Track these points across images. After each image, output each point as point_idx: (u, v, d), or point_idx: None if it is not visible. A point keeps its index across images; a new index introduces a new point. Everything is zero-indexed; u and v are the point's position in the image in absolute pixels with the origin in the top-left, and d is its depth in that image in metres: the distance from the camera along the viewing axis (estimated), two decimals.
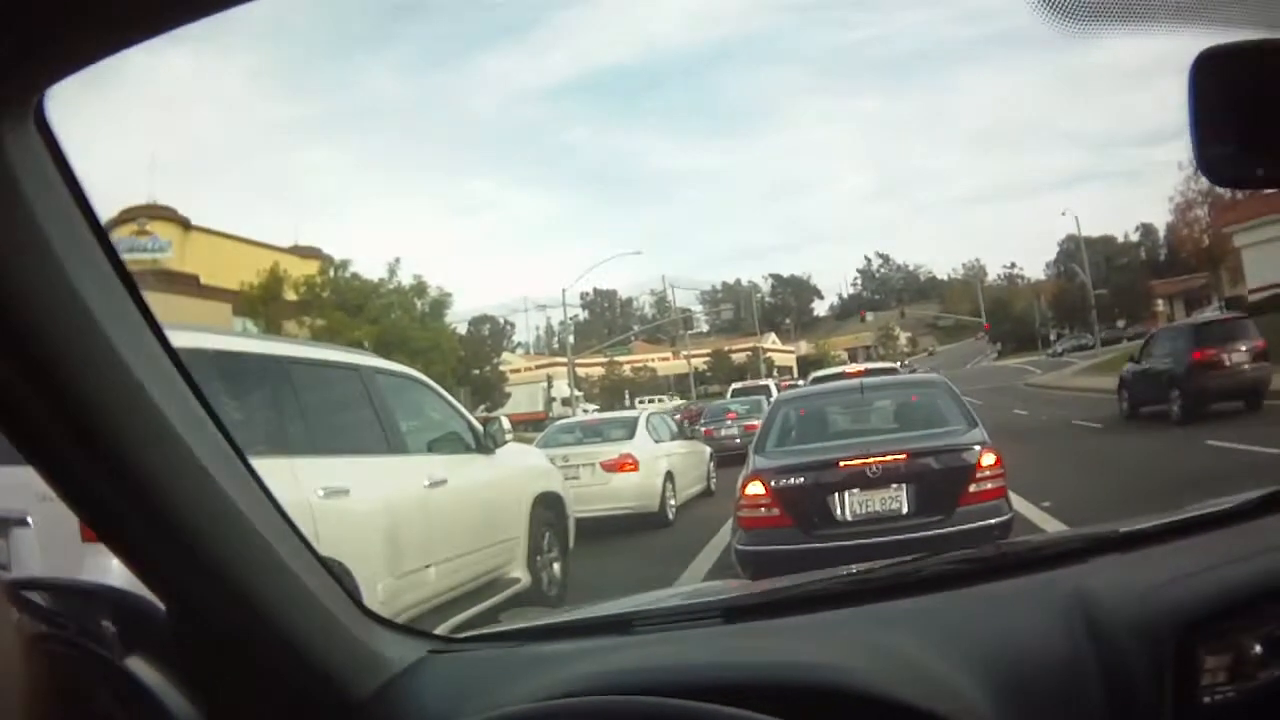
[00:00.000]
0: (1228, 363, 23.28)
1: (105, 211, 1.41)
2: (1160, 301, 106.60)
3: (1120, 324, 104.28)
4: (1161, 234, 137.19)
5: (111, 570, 1.70)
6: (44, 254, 1.30)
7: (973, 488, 8.93)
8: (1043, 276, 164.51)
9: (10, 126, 1.24)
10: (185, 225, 55.99)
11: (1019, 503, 10.75)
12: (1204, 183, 79.07)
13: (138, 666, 1.66)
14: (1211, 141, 1.61)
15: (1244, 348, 23.50)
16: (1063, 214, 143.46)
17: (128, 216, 52.92)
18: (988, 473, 9.00)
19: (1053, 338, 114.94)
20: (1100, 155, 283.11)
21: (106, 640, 1.68)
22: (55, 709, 1.50)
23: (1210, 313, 58.53)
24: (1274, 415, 22.14)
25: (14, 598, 1.72)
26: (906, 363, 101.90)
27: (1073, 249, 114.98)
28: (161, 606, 1.67)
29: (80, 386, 1.38)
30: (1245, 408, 23.15)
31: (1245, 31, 1.61)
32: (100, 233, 1.41)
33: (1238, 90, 1.59)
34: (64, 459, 1.46)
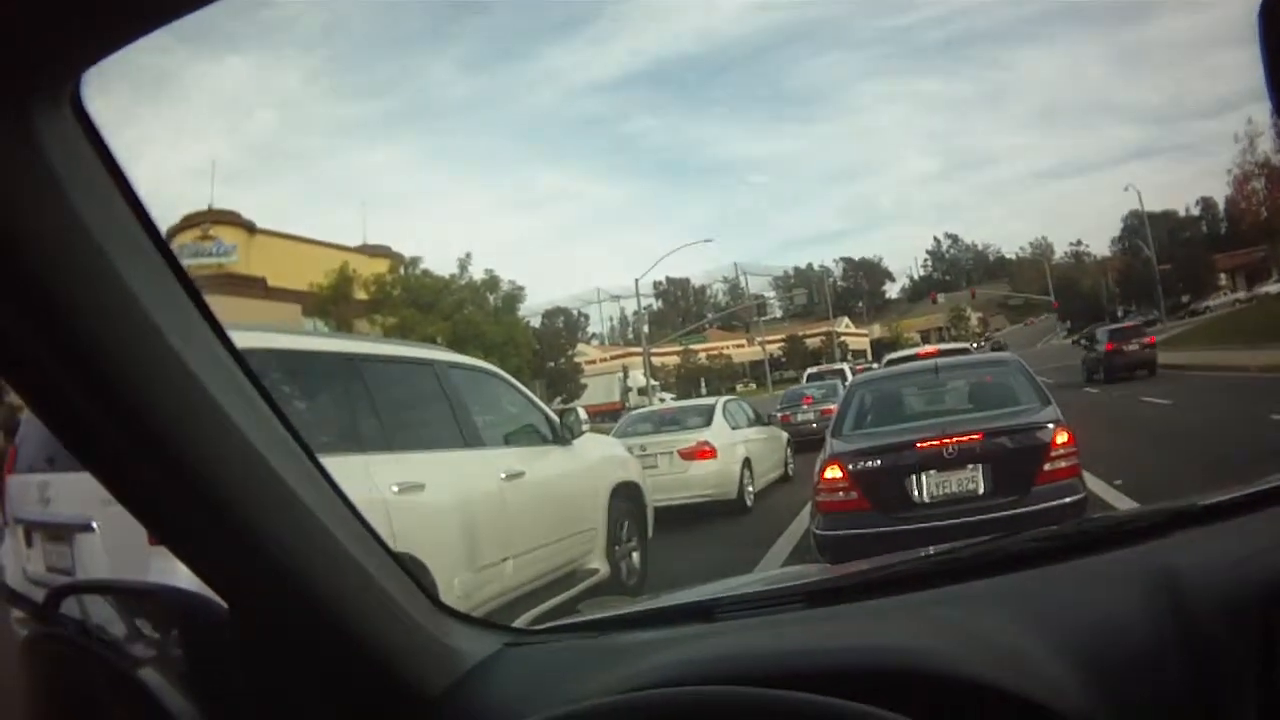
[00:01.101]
0: (1127, 350, 41.14)
1: (158, 210, 1.38)
2: (1223, 275, 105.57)
3: (1185, 299, 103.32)
4: (1221, 208, 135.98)
5: (177, 573, 1.69)
6: (91, 249, 1.26)
7: (1047, 466, 8.90)
8: (1108, 253, 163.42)
9: (45, 112, 1.20)
10: (250, 229, 56.90)
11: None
12: (1260, 154, 78.42)
13: (175, 684, 1.66)
14: None
15: (1137, 344, 41.49)
16: (1125, 189, 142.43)
17: (190, 222, 54.04)
18: (1061, 451, 8.95)
19: (1120, 314, 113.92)
20: (1159, 129, 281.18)
21: (166, 641, 1.67)
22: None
23: (1271, 285, 71.16)
24: (1165, 377, 37.93)
25: (55, 604, 1.73)
26: (981, 344, 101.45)
27: (1136, 225, 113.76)
28: (224, 605, 1.66)
29: (136, 389, 1.36)
30: (1149, 374, 39.65)
31: None
32: (151, 227, 1.37)
33: None
34: (121, 463, 1.45)
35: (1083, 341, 54.71)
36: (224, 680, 1.65)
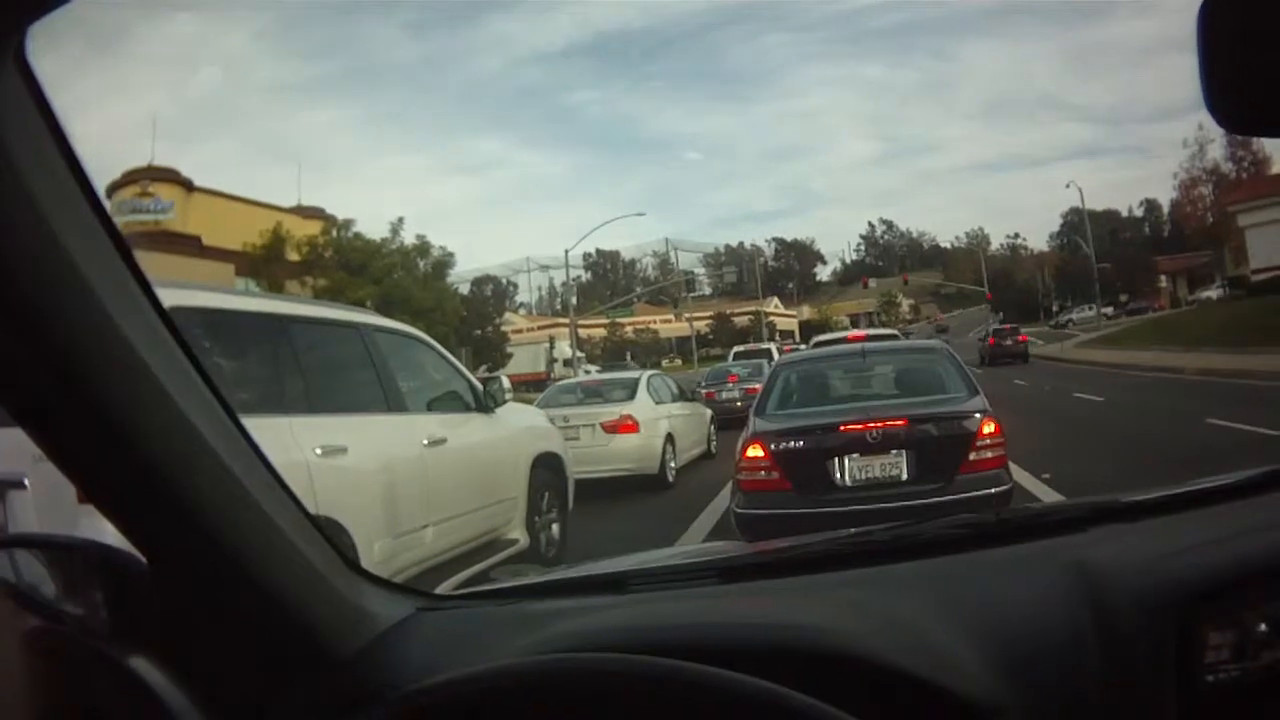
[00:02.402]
0: (1004, 344, 55.84)
1: (97, 166, 1.38)
2: (1164, 277, 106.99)
3: (1123, 298, 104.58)
4: (1166, 210, 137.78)
5: (106, 532, 1.68)
6: (26, 204, 1.26)
7: (973, 455, 8.91)
8: (1046, 248, 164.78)
9: None
10: (188, 186, 56.03)
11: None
12: (1209, 160, 79.88)
13: (115, 641, 1.66)
14: (1223, 84, 1.54)
15: (1010, 340, 56.65)
16: (1067, 186, 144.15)
17: (130, 178, 53.22)
18: (988, 441, 8.97)
19: (1055, 309, 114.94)
20: (1107, 130, 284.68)
21: (90, 596, 1.67)
22: (44, 694, 1.49)
23: (1213, 291, 75.90)
24: (1034, 365, 50.87)
25: None
26: (911, 331, 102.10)
27: (1076, 221, 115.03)
28: (145, 562, 1.66)
29: (66, 343, 1.36)
30: (1022, 362, 52.59)
31: None
32: (87, 185, 1.37)
33: (1250, 31, 1.50)
34: (49, 416, 1.45)
35: (981, 336, 68.65)
36: (142, 636, 1.64)
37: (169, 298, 1.64)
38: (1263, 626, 1.65)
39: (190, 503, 1.59)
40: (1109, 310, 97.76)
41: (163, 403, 1.52)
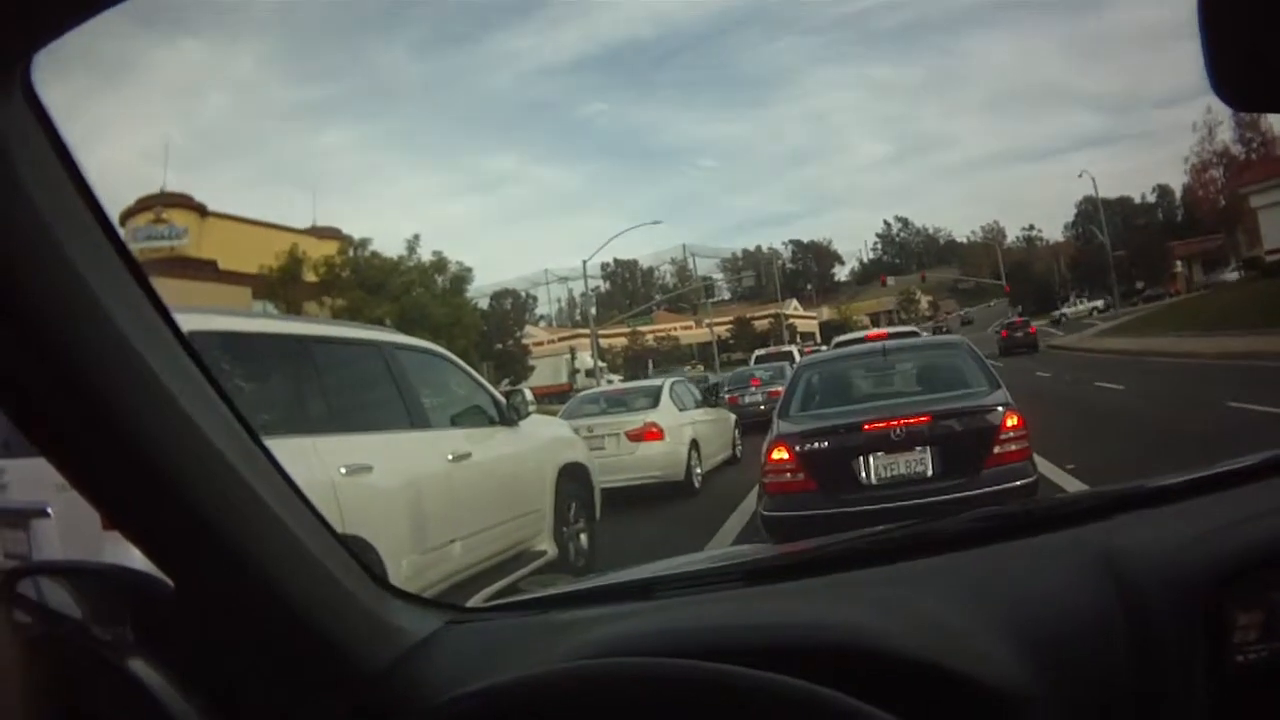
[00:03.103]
0: (1015, 336, 59.84)
1: (108, 193, 1.38)
2: (1179, 262, 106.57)
3: (1139, 284, 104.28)
4: (1178, 195, 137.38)
5: (132, 558, 1.70)
6: (41, 234, 1.27)
7: (997, 449, 8.90)
8: (1061, 238, 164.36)
9: None
10: (201, 211, 56.54)
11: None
12: (1218, 143, 79.75)
13: (139, 661, 1.66)
14: (1227, 62, 1.53)
15: (1021, 333, 60.55)
16: (1080, 175, 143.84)
17: (144, 205, 53.77)
18: (1011, 434, 8.95)
19: (1072, 299, 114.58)
20: (1116, 117, 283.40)
21: (116, 620, 1.68)
22: (51, 705, 1.50)
23: (1228, 274, 77.45)
24: (1046, 355, 53.91)
25: (10, 586, 1.73)
26: (943, 325, 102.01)
27: (1090, 210, 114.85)
28: (170, 585, 1.67)
29: (86, 372, 1.36)
30: (1034, 351, 57.13)
31: None
32: (99, 211, 1.38)
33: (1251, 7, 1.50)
34: (71, 445, 1.45)
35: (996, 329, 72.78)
36: (172, 658, 1.65)
37: (187, 323, 1.65)
38: None
39: (215, 526, 1.59)
40: (1099, 304, 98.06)
41: (185, 428, 1.52)
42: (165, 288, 1.53)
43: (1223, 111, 69.56)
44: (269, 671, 1.74)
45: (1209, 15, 1.44)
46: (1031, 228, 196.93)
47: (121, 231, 1.55)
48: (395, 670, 1.87)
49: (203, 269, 50.34)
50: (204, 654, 1.69)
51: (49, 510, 6.13)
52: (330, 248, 53.95)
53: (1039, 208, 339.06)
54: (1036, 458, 9.61)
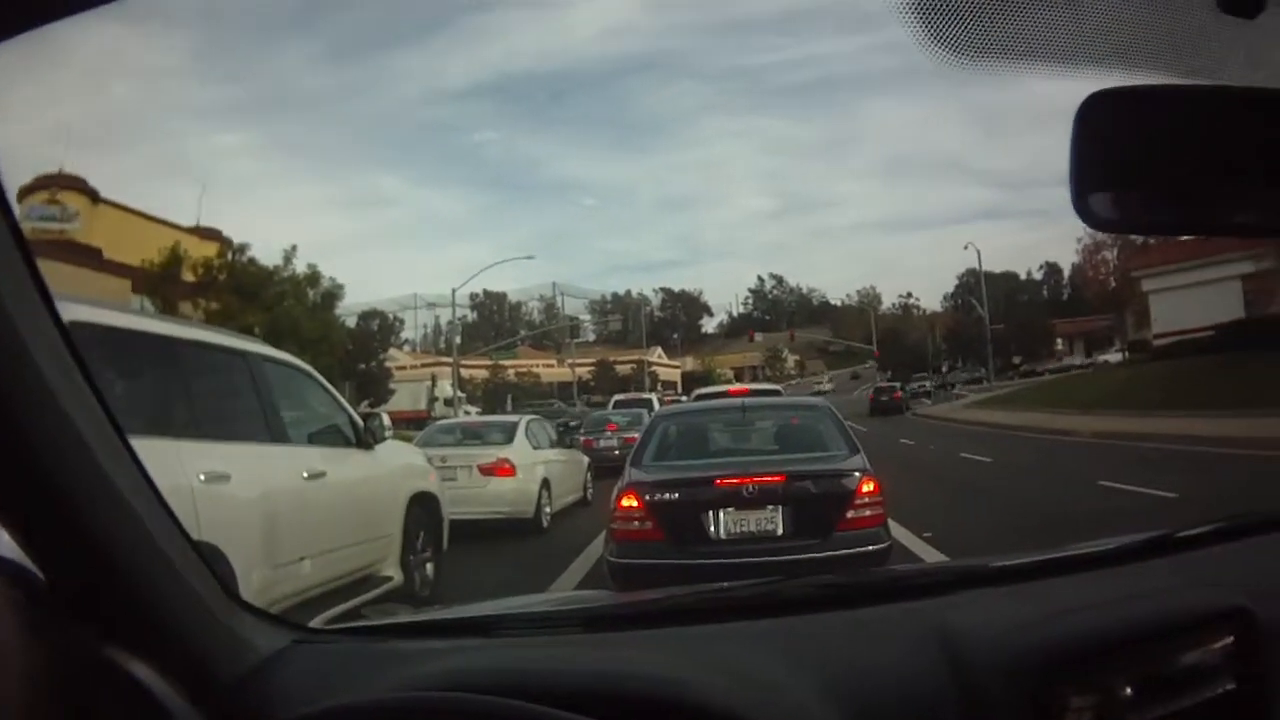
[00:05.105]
0: (881, 399, 70.15)
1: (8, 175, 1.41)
2: (1060, 341, 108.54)
3: (1016, 360, 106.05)
4: (1066, 274, 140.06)
5: (4, 543, 1.68)
6: None
7: (851, 513, 8.87)
8: (939, 308, 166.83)
9: None
10: (94, 197, 55.42)
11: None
12: None
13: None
14: (1090, 185, 1.66)
15: (886, 396, 70.52)
16: (965, 247, 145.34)
17: (40, 184, 52.42)
18: (866, 499, 8.94)
19: (944, 369, 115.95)
20: (1009, 193, 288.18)
21: None
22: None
23: (1111, 354, 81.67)
24: (922, 424, 53.83)
25: None
26: (792, 386, 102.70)
27: (972, 283, 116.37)
28: (42, 577, 1.68)
29: None
30: (899, 413, 65.11)
31: (1129, 77, 1.66)
32: None
33: (1119, 135, 1.62)
34: None
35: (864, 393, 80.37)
36: (36, 648, 1.65)
37: (71, 313, 1.69)
38: (1128, 690, 1.74)
39: (81, 521, 1.63)
40: (935, 382, 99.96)
41: (58, 417, 1.57)
42: (50, 272, 1.57)
43: None
44: (124, 672, 1.75)
45: (1079, 138, 1.59)
46: (909, 295, 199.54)
47: (17, 209, 1.60)
48: (244, 685, 1.92)
49: (88, 256, 49.14)
50: (68, 649, 1.70)
51: None
52: (210, 249, 53.00)
53: (920, 276, 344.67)
54: (893, 524, 9.67)
